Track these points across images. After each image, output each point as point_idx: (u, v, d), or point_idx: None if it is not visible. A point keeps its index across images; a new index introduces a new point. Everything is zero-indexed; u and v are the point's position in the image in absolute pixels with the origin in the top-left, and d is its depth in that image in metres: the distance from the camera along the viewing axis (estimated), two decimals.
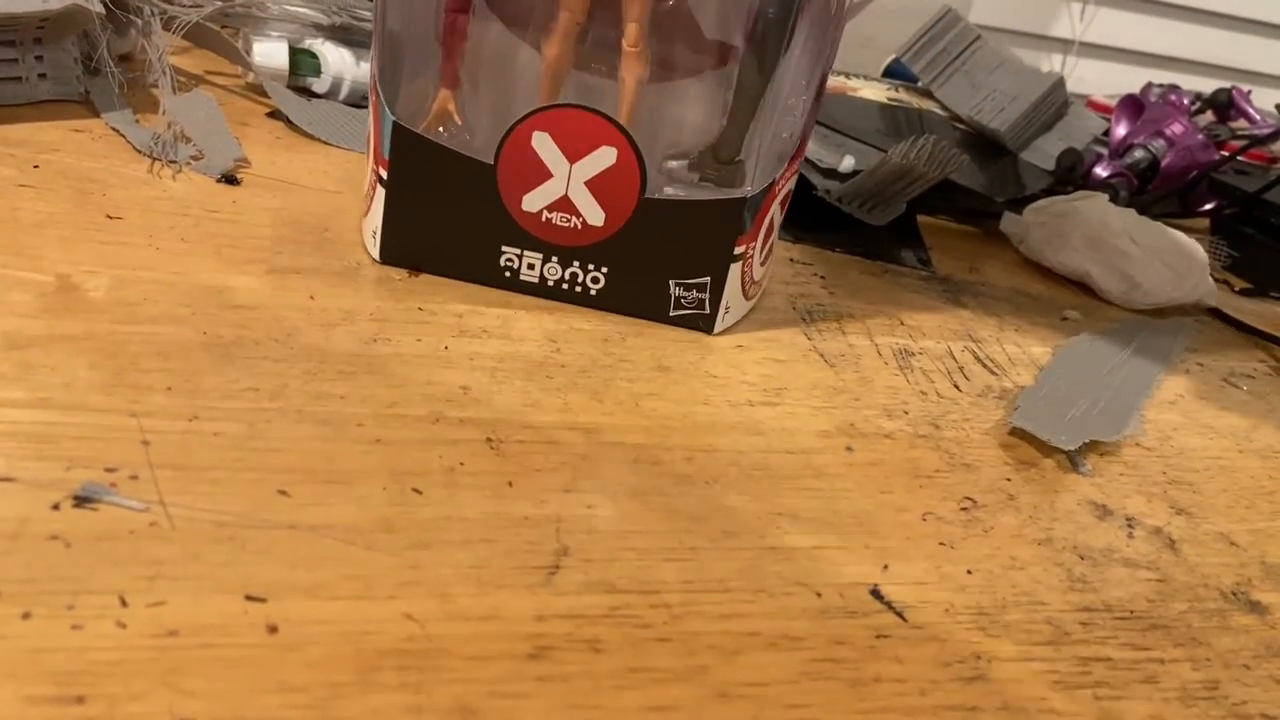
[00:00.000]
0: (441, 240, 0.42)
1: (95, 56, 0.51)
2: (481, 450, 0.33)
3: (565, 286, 0.43)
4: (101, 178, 0.46)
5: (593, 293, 0.43)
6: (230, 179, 0.49)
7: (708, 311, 0.44)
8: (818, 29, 0.40)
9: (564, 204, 0.41)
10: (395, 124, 0.40)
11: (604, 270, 0.42)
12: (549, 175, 0.41)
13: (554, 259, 0.42)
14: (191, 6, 0.57)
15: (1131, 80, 1.05)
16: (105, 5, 0.51)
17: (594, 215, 0.41)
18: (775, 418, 0.40)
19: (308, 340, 0.37)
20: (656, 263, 0.42)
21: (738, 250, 0.43)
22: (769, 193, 0.42)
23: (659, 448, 0.36)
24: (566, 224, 0.41)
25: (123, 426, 0.30)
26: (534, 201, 0.41)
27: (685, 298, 0.43)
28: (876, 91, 0.82)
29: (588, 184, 0.40)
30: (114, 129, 0.50)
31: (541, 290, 0.43)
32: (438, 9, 0.40)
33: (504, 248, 0.42)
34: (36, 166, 0.45)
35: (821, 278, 0.55)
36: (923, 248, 0.62)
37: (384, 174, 0.42)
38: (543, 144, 0.40)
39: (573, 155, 0.40)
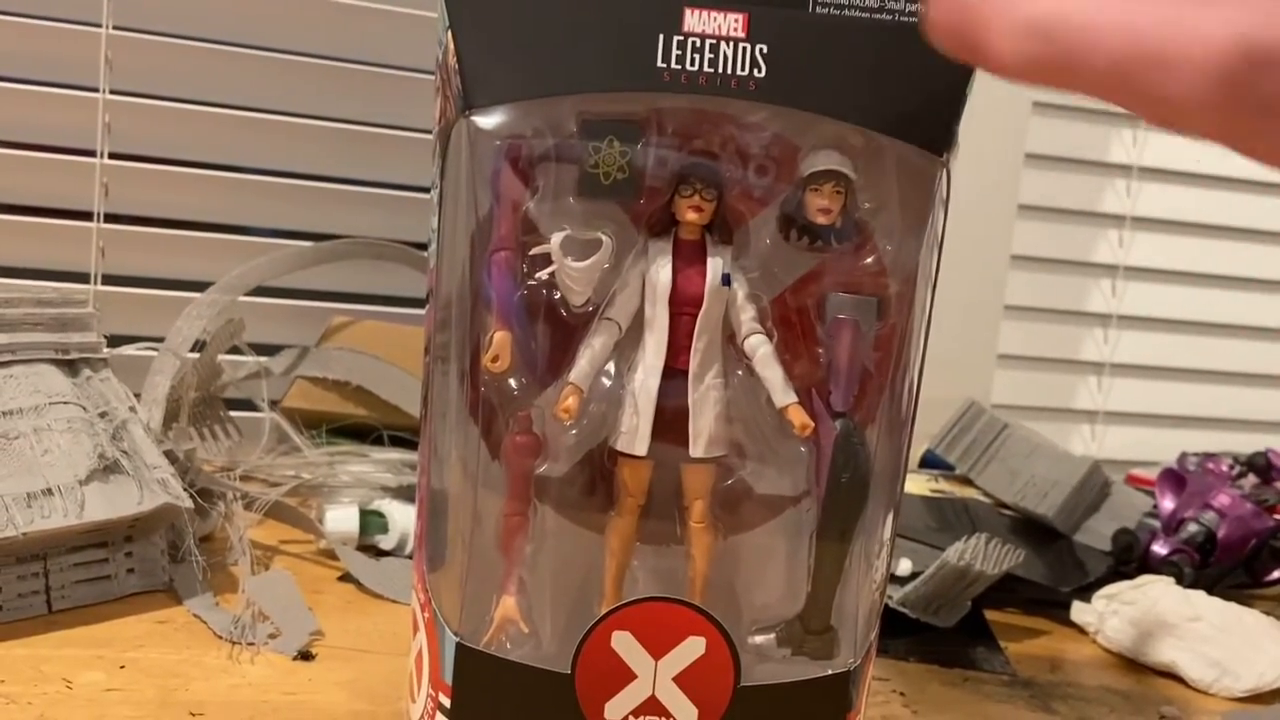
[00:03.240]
0: None
1: (181, 547, 0.54)
2: None
3: None
4: (184, 671, 0.47)
5: None
6: (305, 655, 0.50)
7: None
8: (888, 481, 0.39)
9: (652, 705, 0.37)
10: (459, 645, 0.37)
11: None
12: (633, 676, 0.37)
13: None
14: (271, 485, 0.61)
15: (1158, 443, 1.08)
16: (192, 496, 0.55)
17: (686, 713, 0.37)
18: None
19: None
20: None
21: None
22: (868, 656, 0.40)
23: None
24: None
25: None
26: (618, 708, 0.37)
27: None
28: (918, 483, 0.84)
29: (676, 679, 0.37)
30: (196, 615, 0.52)
31: None
32: (497, 515, 0.38)
33: None
34: (123, 667, 0.46)
35: (901, 694, 0.54)
36: (998, 647, 0.61)
37: (446, 701, 0.37)
38: (624, 644, 0.36)
39: (657, 651, 0.37)
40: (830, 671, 0.39)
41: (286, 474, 0.67)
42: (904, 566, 0.67)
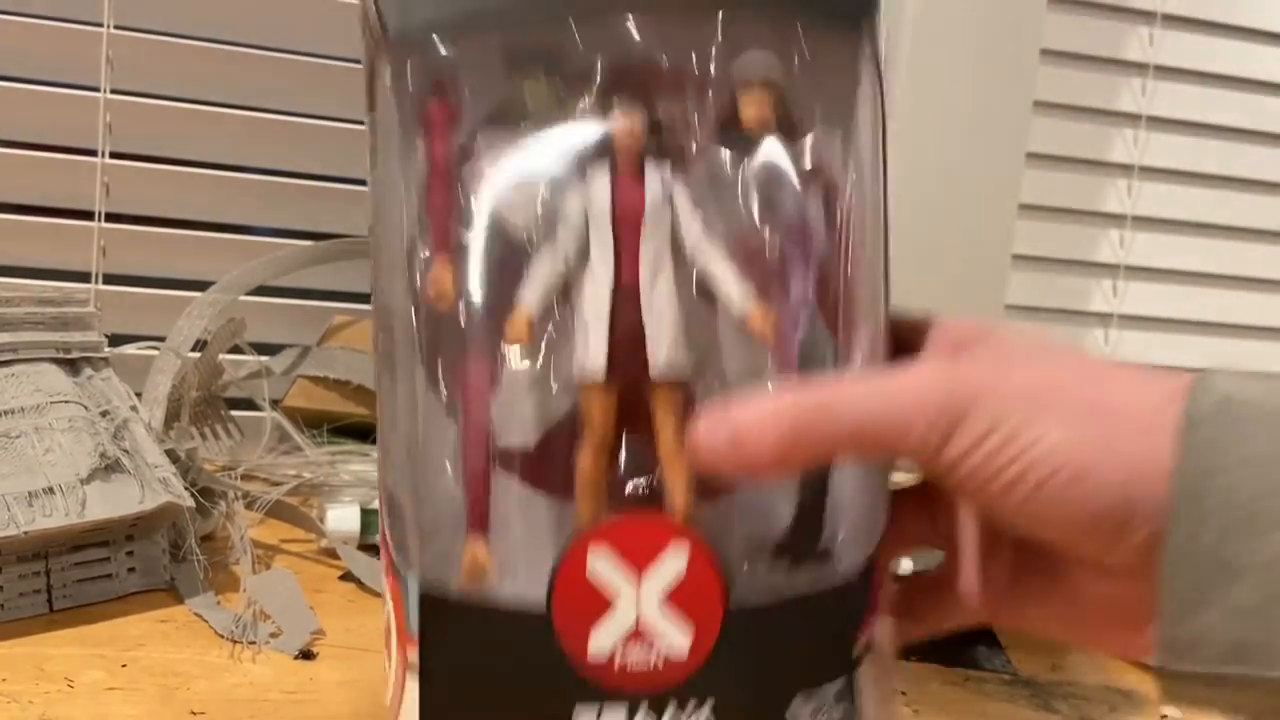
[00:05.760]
0: None
1: (183, 546, 0.54)
2: None
3: None
4: (185, 670, 0.47)
5: None
6: (307, 654, 0.50)
7: None
8: None
9: (639, 634, 0.34)
10: (422, 590, 0.34)
11: (710, 704, 0.34)
12: (614, 602, 0.34)
13: (643, 707, 0.35)
14: (272, 484, 0.61)
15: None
16: (193, 495, 0.55)
17: (677, 638, 0.34)
18: None
19: None
20: (767, 686, 0.35)
21: (857, 649, 0.36)
22: (871, 575, 0.36)
23: None
24: (645, 663, 0.34)
25: None
26: (602, 640, 0.34)
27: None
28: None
29: (663, 602, 0.34)
30: (197, 614, 0.52)
31: None
32: (455, 455, 0.34)
33: (579, 706, 0.34)
34: (124, 666, 0.46)
35: (902, 693, 0.54)
36: (999, 646, 0.61)
37: (414, 657, 0.35)
38: (601, 565, 0.34)
39: (638, 569, 0.34)
40: (830, 586, 0.36)
41: (288, 473, 0.67)
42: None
